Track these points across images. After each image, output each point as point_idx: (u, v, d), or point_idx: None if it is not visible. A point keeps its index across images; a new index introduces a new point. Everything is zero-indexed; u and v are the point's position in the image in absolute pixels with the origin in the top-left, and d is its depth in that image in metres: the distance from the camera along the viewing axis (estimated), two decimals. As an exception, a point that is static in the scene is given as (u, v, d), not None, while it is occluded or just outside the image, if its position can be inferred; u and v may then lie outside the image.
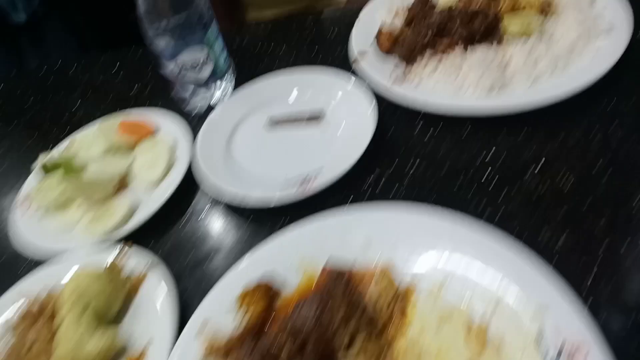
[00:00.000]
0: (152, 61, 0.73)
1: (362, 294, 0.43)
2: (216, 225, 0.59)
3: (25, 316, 0.51)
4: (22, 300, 0.53)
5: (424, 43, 0.66)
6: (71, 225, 0.61)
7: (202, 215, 0.61)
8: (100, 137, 0.68)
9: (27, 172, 0.70)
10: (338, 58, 0.75)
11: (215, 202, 0.61)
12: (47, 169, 0.66)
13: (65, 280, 0.53)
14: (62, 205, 0.63)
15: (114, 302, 0.50)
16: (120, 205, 0.61)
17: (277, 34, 0.86)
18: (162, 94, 0.79)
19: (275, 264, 0.49)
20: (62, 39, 1.11)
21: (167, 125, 0.70)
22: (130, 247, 0.55)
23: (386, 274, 0.45)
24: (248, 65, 0.80)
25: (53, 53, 1.09)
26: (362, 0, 0.82)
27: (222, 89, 0.74)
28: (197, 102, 0.74)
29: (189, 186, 0.63)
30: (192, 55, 0.68)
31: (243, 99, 0.71)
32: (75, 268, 0.53)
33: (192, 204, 0.62)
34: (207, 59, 0.69)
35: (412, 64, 0.66)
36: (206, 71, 0.70)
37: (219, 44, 0.71)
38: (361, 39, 0.73)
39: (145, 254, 0.54)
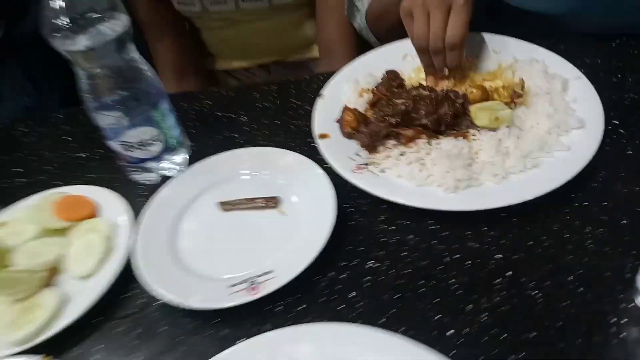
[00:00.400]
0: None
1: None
2: (154, 331, 0.52)
3: None
4: None
5: (386, 133, 0.62)
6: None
7: (139, 317, 0.54)
8: (33, 219, 0.62)
9: None
10: (301, 134, 0.72)
11: (156, 300, 0.54)
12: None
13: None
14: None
15: None
16: (45, 304, 0.53)
17: (241, 101, 0.82)
18: (109, 164, 0.74)
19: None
20: (18, 87, 1.06)
21: (109, 204, 0.64)
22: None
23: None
24: (207, 135, 0.75)
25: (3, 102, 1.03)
26: (335, 66, 0.79)
27: (174, 163, 0.69)
28: (147, 177, 0.69)
29: (127, 280, 0.56)
30: (138, 134, 0.63)
31: (194, 177, 0.66)
32: None
33: (129, 302, 0.55)
34: (155, 137, 0.64)
35: (375, 152, 0.62)
36: (155, 148, 0.65)
37: (169, 121, 0.66)
38: (324, 117, 0.69)
39: None
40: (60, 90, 0.97)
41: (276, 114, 0.78)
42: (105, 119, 0.61)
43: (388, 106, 0.64)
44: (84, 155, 0.77)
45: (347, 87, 0.74)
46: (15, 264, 0.57)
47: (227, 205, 0.63)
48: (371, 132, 0.63)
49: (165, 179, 0.68)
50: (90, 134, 0.80)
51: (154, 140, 0.64)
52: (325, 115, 0.70)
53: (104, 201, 0.65)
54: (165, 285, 0.53)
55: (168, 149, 0.67)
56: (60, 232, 0.61)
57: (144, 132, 0.63)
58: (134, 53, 0.60)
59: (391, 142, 0.62)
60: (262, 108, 0.80)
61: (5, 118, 0.90)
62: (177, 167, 0.69)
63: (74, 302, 0.54)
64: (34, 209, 0.62)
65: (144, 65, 0.61)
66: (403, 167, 0.59)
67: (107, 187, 0.66)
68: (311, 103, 0.73)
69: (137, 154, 0.65)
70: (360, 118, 0.66)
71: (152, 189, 0.67)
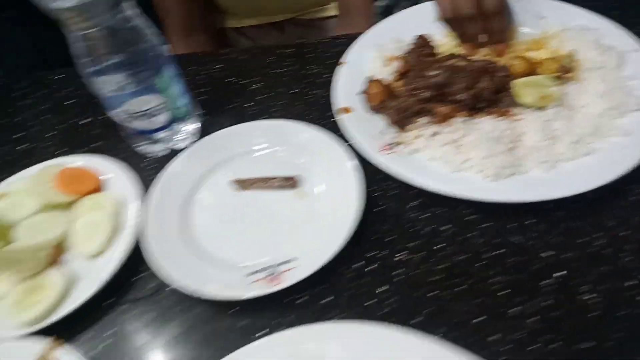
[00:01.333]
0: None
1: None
2: (168, 316, 0.49)
3: None
4: None
5: (417, 110, 0.56)
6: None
7: (151, 301, 0.50)
8: (34, 191, 0.57)
9: None
10: (319, 104, 0.66)
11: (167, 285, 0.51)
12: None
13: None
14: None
15: None
16: (52, 284, 0.50)
17: (254, 66, 0.75)
18: (113, 133, 0.68)
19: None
20: (14, 46, 0.98)
21: (115, 178, 0.60)
22: (60, 345, 0.45)
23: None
24: (218, 103, 0.69)
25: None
26: (353, 29, 0.72)
27: (183, 134, 0.64)
28: (154, 149, 0.64)
29: (137, 260, 0.52)
30: (140, 103, 0.57)
31: (206, 151, 0.61)
32: None
33: (140, 284, 0.52)
34: (161, 106, 0.58)
35: (404, 130, 0.57)
36: (161, 118, 0.60)
37: (176, 88, 0.60)
38: (347, 88, 0.63)
39: (78, 356, 0.45)
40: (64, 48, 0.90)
41: (292, 82, 0.71)
42: (104, 86, 0.55)
43: (419, 78, 0.58)
44: (88, 121, 0.72)
45: (371, 54, 0.67)
46: (17, 240, 0.54)
47: (242, 184, 0.58)
48: (400, 108, 0.57)
49: (174, 151, 0.63)
50: (95, 98, 0.75)
51: (159, 110, 0.58)
52: (347, 85, 0.63)
53: (109, 173, 0.60)
54: (179, 270, 0.49)
55: (176, 119, 0.61)
56: (63, 206, 0.57)
57: (147, 101, 0.57)
58: (132, 10, 0.52)
59: (423, 120, 0.57)
60: (277, 74, 0.73)
61: (3, 78, 0.84)
62: (187, 139, 0.64)
63: (82, 282, 0.51)
64: (35, 181, 0.57)
65: (145, 25, 0.54)
66: (436, 149, 0.54)
67: (113, 157, 0.62)
68: (330, 69, 0.66)
69: (142, 124, 0.59)
70: (388, 91, 0.59)
71: (160, 161, 0.63)
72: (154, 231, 0.53)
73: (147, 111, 0.57)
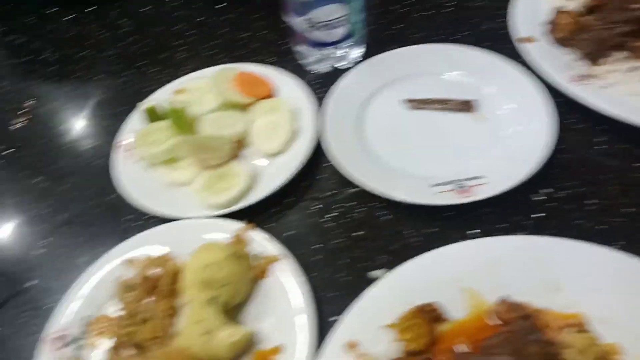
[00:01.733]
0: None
1: (557, 345, 0.36)
2: (348, 215, 0.51)
3: (135, 285, 0.46)
4: (127, 262, 0.48)
5: (616, 43, 0.53)
6: (181, 186, 0.55)
7: (331, 201, 0.53)
8: (214, 90, 0.60)
9: (124, 107, 0.64)
10: (493, 34, 0.64)
11: (347, 185, 0.53)
12: (153, 116, 0.59)
13: (182, 250, 0.47)
14: (170, 161, 0.56)
15: (241, 289, 0.44)
16: (239, 174, 0.53)
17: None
18: (276, 46, 0.70)
19: (431, 283, 0.41)
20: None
21: (286, 86, 0.61)
22: (252, 227, 0.48)
23: (582, 325, 0.37)
24: (378, 27, 0.69)
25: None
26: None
27: (352, 53, 0.64)
28: (321, 65, 0.65)
29: (313, 163, 0.55)
30: (327, 12, 0.57)
31: (377, 68, 0.61)
32: (193, 238, 0.47)
33: (319, 184, 0.54)
34: (343, 18, 0.58)
35: (596, 64, 0.54)
36: (339, 32, 0.60)
37: (359, 1, 0.60)
38: (526, 18, 0.61)
39: (268, 237, 0.48)
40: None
41: (460, 6, 0.69)
42: (295, -8, 0.56)
43: (618, 11, 0.55)
44: (246, 35, 0.74)
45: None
46: (201, 132, 0.57)
47: (416, 103, 0.58)
48: (596, 40, 0.54)
49: (338, 70, 0.64)
50: (252, 14, 0.77)
51: (341, 22, 0.59)
52: (526, 15, 0.61)
53: (280, 83, 0.62)
54: (363, 173, 0.51)
55: (350, 36, 0.62)
56: (241, 107, 0.60)
57: (333, 10, 0.57)
58: None
59: (618, 55, 0.54)
60: (439, 4, 0.71)
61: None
62: (354, 58, 0.64)
63: (265, 177, 0.54)
64: (214, 81, 0.60)
65: None
66: (636, 83, 0.51)
67: (281, 68, 0.63)
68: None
69: (320, 35, 0.60)
70: (579, 23, 0.57)
71: (324, 77, 0.64)
72: (333, 136, 0.55)
73: (330, 22, 0.58)
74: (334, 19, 0.58)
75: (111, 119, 0.66)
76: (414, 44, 0.64)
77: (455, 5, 0.70)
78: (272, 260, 0.46)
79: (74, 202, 0.59)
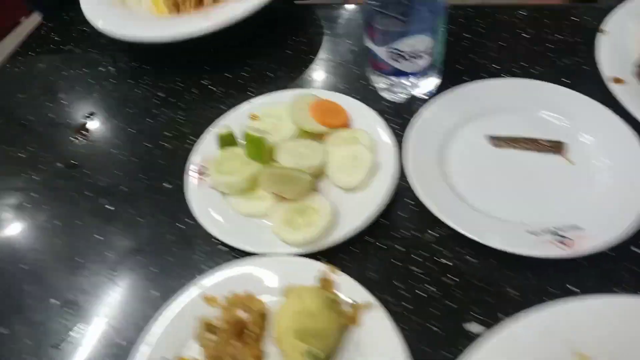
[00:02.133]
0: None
1: None
2: (434, 259, 0.49)
3: (219, 326, 0.44)
4: (207, 299, 0.46)
5: None
6: (257, 218, 0.53)
7: (414, 241, 0.50)
8: (291, 117, 0.58)
9: (194, 128, 0.63)
10: (573, 69, 0.62)
11: (431, 226, 0.51)
12: (228, 142, 0.58)
13: (264, 289, 0.46)
14: (246, 190, 0.55)
15: (334, 340, 0.42)
16: (319, 210, 0.51)
17: (484, 25, 0.72)
18: (343, 71, 0.69)
19: (541, 345, 0.39)
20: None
21: (361, 116, 0.60)
22: (336, 270, 0.46)
23: None
24: (453, 57, 0.66)
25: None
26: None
27: (429, 83, 0.62)
28: (396, 95, 0.63)
29: (393, 200, 0.53)
30: (413, 43, 0.55)
31: (458, 101, 0.59)
32: (277, 278, 0.46)
33: (400, 223, 0.52)
34: (429, 50, 0.56)
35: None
36: (422, 62, 0.58)
37: (443, 33, 0.58)
38: (613, 55, 0.59)
39: (353, 281, 0.46)
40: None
41: (538, 41, 0.68)
42: (383, 21, 0.54)
43: None
44: (315, 58, 0.72)
45: (635, 26, 0.62)
46: (280, 163, 0.55)
47: (500, 141, 0.56)
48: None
49: (414, 98, 0.62)
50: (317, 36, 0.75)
51: (426, 53, 0.57)
52: (613, 53, 0.59)
53: (354, 111, 0.60)
54: (451, 215, 0.49)
55: (431, 66, 0.60)
56: (315, 136, 0.58)
57: (420, 42, 0.56)
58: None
59: None
60: (515, 35, 0.69)
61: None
62: (430, 88, 0.62)
63: (344, 214, 0.51)
64: (292, 107, 0.59)
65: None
66: None
67: (353, 97, 0.62)
68: (574, 35, 0.63)
69: (403, 65, 0.58)
70: (675, 66, 0.55)
71: (399, 108, 0.62)
72: (416, 172, 0.53)
73: (415, 52, 0.56)
74: (419, 51, 0.56)
75: (178, 140, 0.65)
76: (491, 75, 0.62)
77: (534, 36, 0.69)
78: (362, 307, 0.44)
79: (142, 228, 0.57)
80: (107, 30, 0.72)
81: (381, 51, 0.57)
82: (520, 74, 0.63)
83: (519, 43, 0.68)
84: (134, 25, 0.73)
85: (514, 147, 0.55)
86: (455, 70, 0.64)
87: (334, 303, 0.43)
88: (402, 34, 0.55)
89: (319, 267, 0.47)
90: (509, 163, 0.55)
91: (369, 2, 0.54)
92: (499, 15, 0.73)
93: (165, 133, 0.67)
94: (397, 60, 0.58)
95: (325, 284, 0.46)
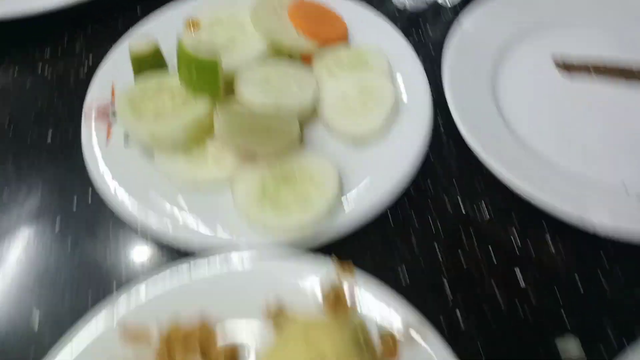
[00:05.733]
0: None
1: None
2: (494, 244, 0.31)
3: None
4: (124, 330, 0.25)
5: None
6: (207, 189, 0.32)
7: (461, 218, 0.32)
8: (255, 24, 0.36)
9: (92, 44, 0.40)
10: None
11: (488, 194, 0.33)
12: (147, 64, 0.34)
13: (229, 308, 0.26)
14: (183, 146, 0.32)
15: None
16: (319, 174, 0.31)
17: None
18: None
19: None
20: None
21: (366, 26, 0.39)
22: (349, 271, 0.27)
23: None
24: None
25: None
26: None
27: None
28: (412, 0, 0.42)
29: (428, 156, 0.34)
30: None
31: (509, 7, 0.40)
32: (257, 287, 0.26)
33: (438, 194, 0.33)
34: None
35: None
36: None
37: None
38: None
39: (381, 287, 0.27)
40: None
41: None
42: None
43: None
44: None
45: None
46: (244, 100, 0.33)
47: (569, 67, 0.38)
48: None
49: (436, 5, 0.42)
50: None
51: None
52: None
53: (355, 20, 0.39)
54: (524, 177, 0.31)
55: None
56: (301, 57, 0.36)
57: None
58: None
59: None
60: None
61: None
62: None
63: (355, 179, 0.32)
64: (259, 8, 0.36)
65: None
66: None
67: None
68: None
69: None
70: None
71: (414, 17, 0.42)
72: (464, 114, 0.34)
73: None
74: None
75: (66, 63, 0.40)
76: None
77: None
78: (405, 336, 0.25)
79: (8, 211, 0.34)
80: None
81: None
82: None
83: None
84: None
85: (591, 73, 0.38)
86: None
87: (364, 341, 0.24)
88: None
89: (326, 271, 0.27)
90: (579, 98, 0.37)
91: None
92: None
93: (44, 50, 0.41)
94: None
95: (337, 297, 0.27)
